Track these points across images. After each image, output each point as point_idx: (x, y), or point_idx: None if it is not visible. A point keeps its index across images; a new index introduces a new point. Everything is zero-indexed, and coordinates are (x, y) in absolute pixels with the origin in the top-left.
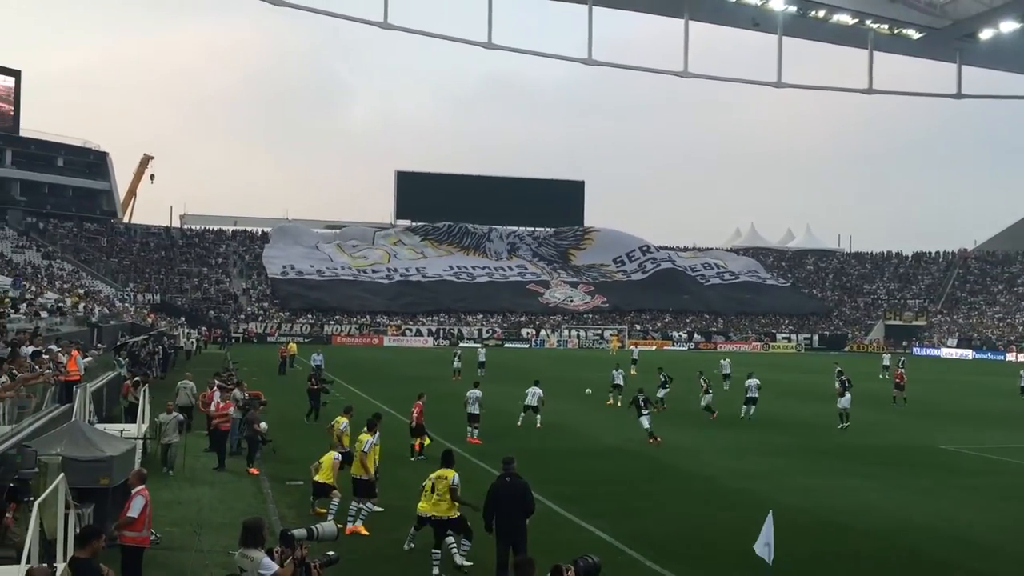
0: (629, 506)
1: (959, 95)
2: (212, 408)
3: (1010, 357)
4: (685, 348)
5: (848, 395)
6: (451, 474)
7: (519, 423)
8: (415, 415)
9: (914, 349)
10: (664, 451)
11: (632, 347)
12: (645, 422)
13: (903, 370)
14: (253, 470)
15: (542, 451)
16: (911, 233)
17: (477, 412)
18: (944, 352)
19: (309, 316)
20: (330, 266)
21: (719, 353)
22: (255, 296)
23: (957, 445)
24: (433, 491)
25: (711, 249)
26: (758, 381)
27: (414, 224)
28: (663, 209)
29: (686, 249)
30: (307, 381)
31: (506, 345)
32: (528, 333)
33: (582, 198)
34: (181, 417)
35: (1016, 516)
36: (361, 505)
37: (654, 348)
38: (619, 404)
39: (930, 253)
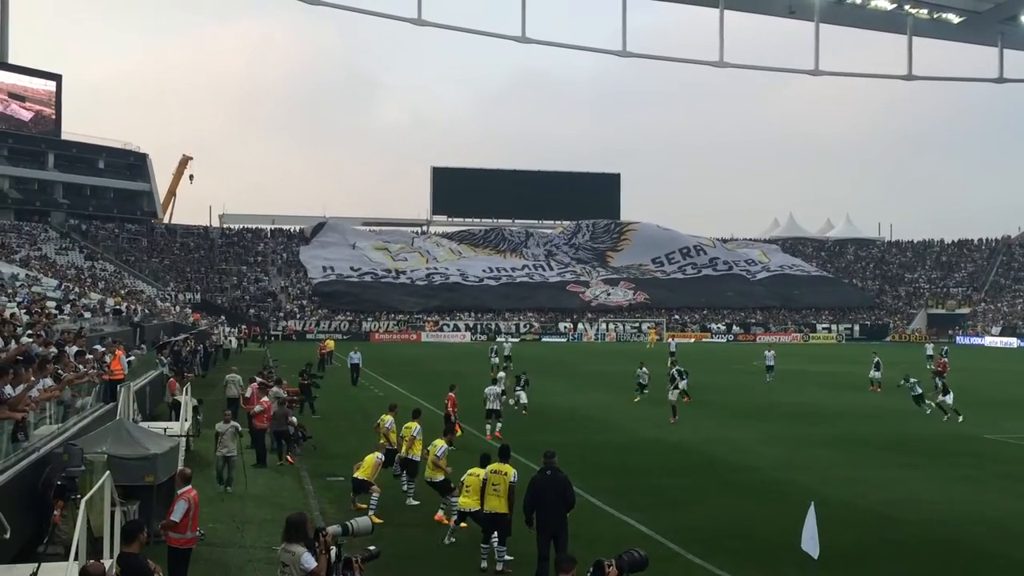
0: (669, 499)
1: (1001, 79)
2: (258, 407)
3: None
4: (724, 340)
5: (952, 393)
6: (510, 470)
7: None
8: (448, 407)
9: (957, 338)
10: (704, 443)
11: (670, 340)
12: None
13: (946, 359)
14: (289, 459)
15: (581, 444)
16: (953, 220)
17: (497, 408)
18: (988, 341)
19: (347, 313)
20: (370, 267)
21: (760, 345)
22: (293, 294)
23: (1003, 435)
24: (487, 486)
25: (753, 241)
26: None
27: (450, 231)
28: (700, 200)
29: (727, 240)
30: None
31: (543, 339)
32: (566, 327)
33: (618, 191)
34: (239, 427)
35: None
36: (447, 500)
37: (692, 340)
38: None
39: (973, 240)
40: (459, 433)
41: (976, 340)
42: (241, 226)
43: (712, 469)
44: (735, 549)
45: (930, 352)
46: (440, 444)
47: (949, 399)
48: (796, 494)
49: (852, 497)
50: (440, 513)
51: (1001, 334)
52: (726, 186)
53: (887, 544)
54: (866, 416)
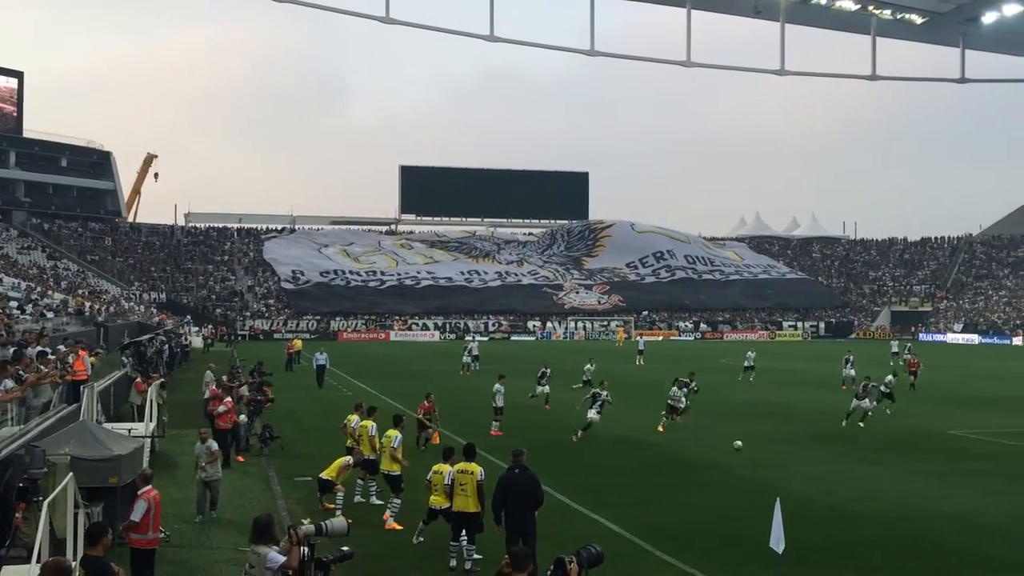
0: (638, 496)
1: (963, 79)
2: (221, 407)
3: (1016, 341)
4: (691, 338)
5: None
6: (477, 469)
7: (493, 430)
8: (422, 412)
9: (920, 335)
10: (673, 440)
11: (638, 338)
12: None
13: (916, 357)
14: (239, 458)
15: (549, 443)
16: (916, 219)
17: (500, 405)
18: (950, 337)
19: (315, 312)
20: (339, 271)
21: (727, 343)
22: (261, 293)
23: (966, 430)
24: (455, 486)
25: (723, 240)
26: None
27: (419, 231)
28: (667, 199)
29: (697, 239)
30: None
31: (512, 338)
32: (534, 326)
33: (586, 189)
34: (215, 447)
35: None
36: (394, 500)
37: (660, 339)
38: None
39: (935, 238)
40: (437, 442)
41: (938, 337)
42: (207, 225)
43: (680, 466)
44: (703, 546)
45: (895, 349)
46: (394, 434)
47: (866, 404)
48: (763, 491)
49: (819, 494)
50: (390, 519)
51: (963, 331)
52: (693, 185)
53: (853, 540)
54: (833, 413)
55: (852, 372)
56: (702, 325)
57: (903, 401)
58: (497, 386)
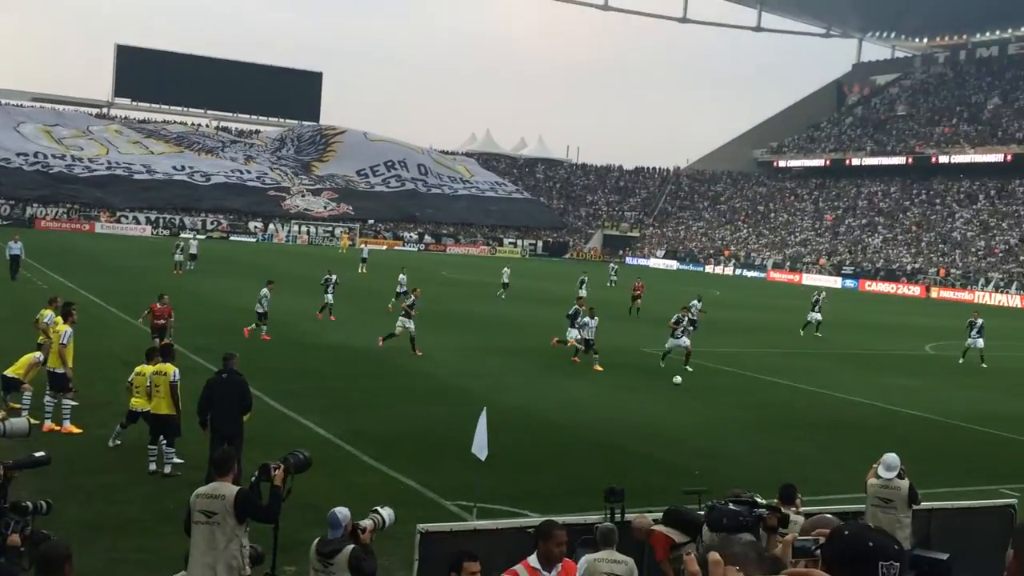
0: (349, 402)
1: (684, 20)
2: None
3: (708, 269)
4: (415, 249)
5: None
6: (171, 369)
7: (259, 332)
8: (152, 315)
9: (627, 259)
10: (387, 350)
11: (363, 246)
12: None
13: (641, 281)
14: None
15: (264, 347)
16: (633, 149)
17: (264, 311)
18: (652, 262)
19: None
20: (40, 154)
21: (450, 255)
22: None
23: (658, 348)
24: (152, 388)
25: (453, 154)
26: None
27: (134, 116)
28: (401, 108)
29: (430, 151)
30: None
31: (232, 238)
32: (256, 227)
33: (319, 91)
34: None
35: (702, 412)
36: (65, 401)
37: (384, 248)
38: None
39: (647, 168)
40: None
41: (643, 261)
42: None
43: (393, 375)
44: (409, 451)
45: (612, 272)
46: (64, 328)
47: (684, 341)
48: (471, 400)
49: (521, 403)
50: (66, 422)
51: (664, 257)
52: (427, 96)
53: (550, 447)
54: (543, 328)
55: (584, 293)
56: (426, 237)
57: (621, 323)
58: (264, 291)
